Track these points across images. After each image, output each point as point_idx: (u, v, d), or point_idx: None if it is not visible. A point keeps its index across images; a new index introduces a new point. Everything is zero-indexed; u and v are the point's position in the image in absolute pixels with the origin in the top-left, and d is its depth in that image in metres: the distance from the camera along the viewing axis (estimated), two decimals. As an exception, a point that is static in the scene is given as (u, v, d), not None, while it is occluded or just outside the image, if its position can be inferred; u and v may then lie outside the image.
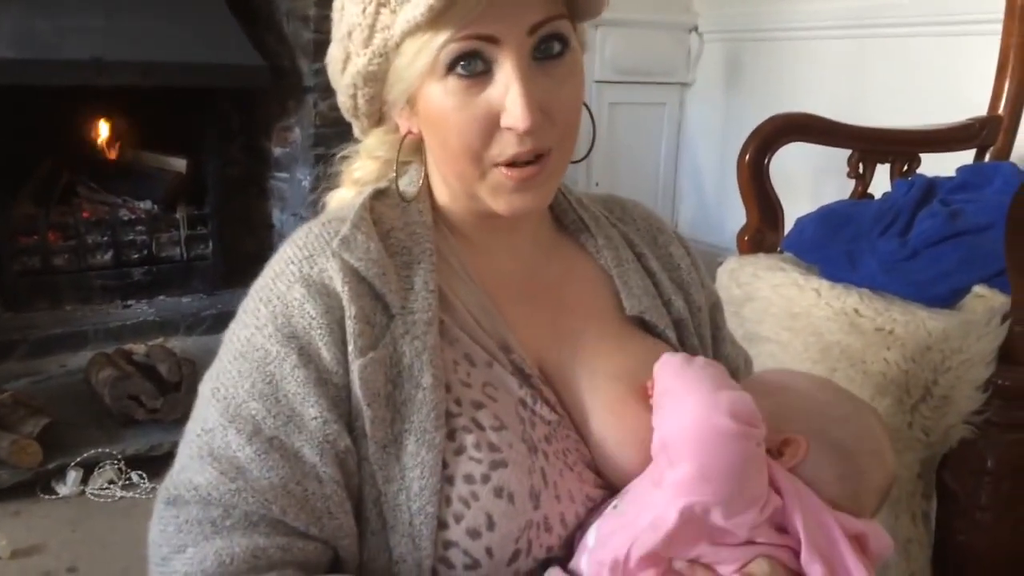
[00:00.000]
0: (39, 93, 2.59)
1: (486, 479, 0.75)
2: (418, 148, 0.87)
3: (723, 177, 3.13)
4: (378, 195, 0.86)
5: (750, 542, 0.72)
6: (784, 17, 2.93)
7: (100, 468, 2.11)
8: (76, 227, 2.80)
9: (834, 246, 1.62)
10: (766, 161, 1.73)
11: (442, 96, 0.75)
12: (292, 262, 0.80)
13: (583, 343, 0.86)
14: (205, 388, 0.78)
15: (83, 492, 2.08)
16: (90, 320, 2.72)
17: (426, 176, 0.87)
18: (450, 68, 0.74)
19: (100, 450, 2.13)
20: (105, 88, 2.61)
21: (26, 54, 2.40)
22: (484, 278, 0.86)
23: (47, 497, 2.06)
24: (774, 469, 0.76)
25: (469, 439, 0.76)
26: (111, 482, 2.10)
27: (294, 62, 2.88)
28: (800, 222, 1.73)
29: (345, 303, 0.76)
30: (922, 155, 1.92)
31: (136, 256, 2.90)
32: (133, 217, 2.91)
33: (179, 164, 3.00)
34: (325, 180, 0.94)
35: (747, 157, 1.72)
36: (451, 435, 0.76)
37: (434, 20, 0.72)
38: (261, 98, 3.01)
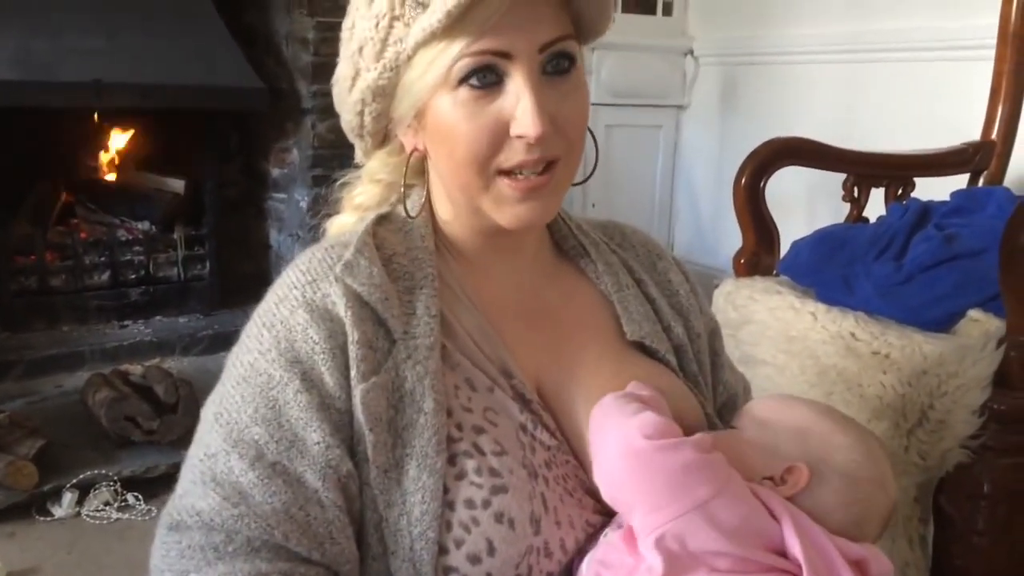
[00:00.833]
0: (38, 114, 2.60)
1: (487, 504, 0.75)
2: (420, 171, 0.88)
3: (719, 200, 3.15)
4: (381, 220, 0.87)
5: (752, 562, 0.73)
6: (779, 41, 2.95)
7: (96, 490, 2.10)
8: (73, 247, 2.80)
9: (830, 269, 1.63)
10: (762, 184, 1.74)
11: (452, 107, 0.77)
12: (295, 287, 0.80)
13: (582, 368, 0.87)
14: (208, 413, 0.79)
15: (79, 514, 2.06)
16: (87, 340, 2.72)
17: (428, 199, 0.88)
18: (462, 80, 0.75)
19: (96, 471, 2.12)
20: (104, 109, 2.62)
21: (25, 75, 2.41)
22: (485, 303, 0.86)
23: (42, 519, 2.05)
24: (769, 496, 0.76)
25: (470, 464, 0.76)
26: (107, 504, 2.09)
27: (293, 84, 2.90)
28: (796, 245, 1.74)
29: (348, 328, 0.77)
30: (916, 179, 1.93)
31: (133, 276, 2.90)
32: (131, 238, 2.91)
33: (177, 185, 3.00)
34: (324, 206, 0.95)
35: (743, 180, 1.73)
36: (452, 460, 0.76)
37: (449, 29, 0.73)
38: (259, 120, 3.02)
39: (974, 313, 1.45)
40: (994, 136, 1.97)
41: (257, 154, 3.15)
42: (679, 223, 3.48)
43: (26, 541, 1.98)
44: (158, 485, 2.10)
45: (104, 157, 3.06)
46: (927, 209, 1.69)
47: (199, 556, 0.72)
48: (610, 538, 0.77)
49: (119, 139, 3.04)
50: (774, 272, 1.77)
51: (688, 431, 0.81)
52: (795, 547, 0.73)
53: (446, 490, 0.75)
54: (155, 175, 3.05)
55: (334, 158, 2.82)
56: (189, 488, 0.75)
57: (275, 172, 3.09)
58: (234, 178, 3.18)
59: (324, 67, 2.72)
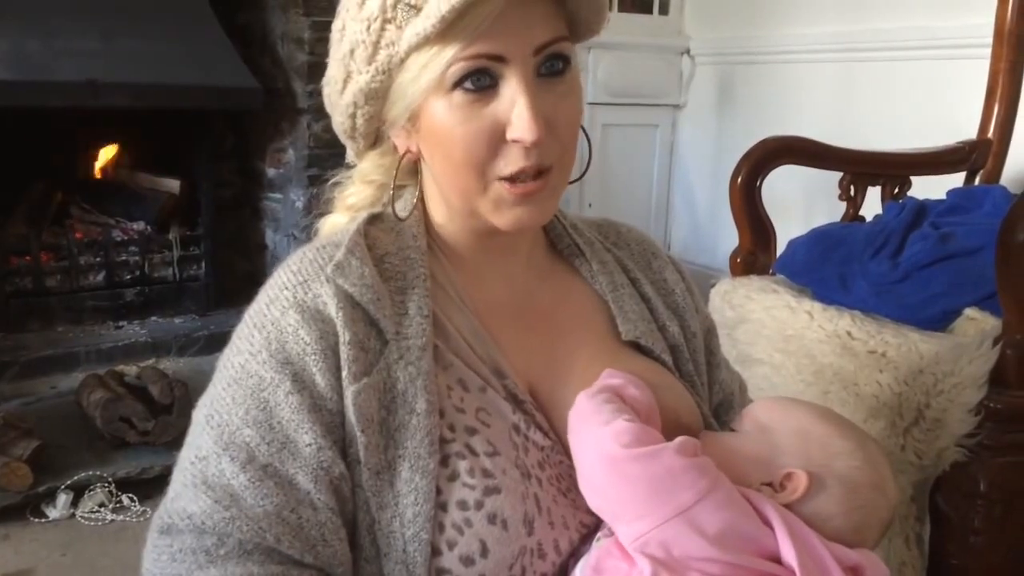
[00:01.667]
0: (33, 114, 2.59)
1: (479, 505, 0.74)
2: (413, 171, 0.87)
3: (715, 199, 3.15)
4: (372, 220, 0.86)
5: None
6: (775, 41, 2.95)
7: (90, 491, 2.10)
8: (69, 248, 2.79)
9: (826, 268, 1.63)
10: (758, 184, 1.74)
11: (447, 110, 0.76)
12: (286, 288, 0.80)
13: (577, 368, 0.86)
14: (199, 415, 0.78)
15: (73, 515, 2.06)
16: (82, 341, 2.71)
17: (421, 199, 0.87)
18: (457, 84, 0.75)
19: (91, 473, 2.11)
20: (99, 109, 2.61)
21: (20, 76, 2.40)
22: (478, 303, 0.86)
23: (37, 520, 2.04)
24: (762, 501, 0.75)
25: (463, 465, 0.76)
26: (101, 505, 2.08)
27: (288, 84, 2.90)
28: (792, 244, 1.74)
29: (339, 329, 0.76)
30: (912, 178, 1.93)
31: (129, 277, 2.89)
32: (126, 238, 2.91)
33: (172, 185, 3.00)
34: (318, 206, 0.95)
35: (739, 180, 1.73)
36: (444, 461, 0.76)
37: (443, 33, 0.72)
38: (255, 119, 3.02)
39: (970, 311, 1.45)
40: (990, 135, 1.97)
41: (253, 154, 3.15)
42: (675, 222, 3.48)
43: (20, 543, 1.97)
44: (153, 486, 2.10)
45: (99, 157, 3.06)
46: (923, 208, 1.69)
47: (191, 560, 0.71)
48: (603, 543, 0.76)
49: (114, 139, 3.04)
50: (770, 271, 1.77)
51: (685, 430, 0.80)
52: (789, 553, 0.72)
53: (439, 491, 0.74)
54: (150, 175, 3.05)
55: (330, 158, 2.81)
56: (180, 491, 0.75)
57: (271, 172, 3.09)
58: (229, 178, 3.18)
59: (320, 67, 2.67)
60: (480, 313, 0.85)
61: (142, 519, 2.03)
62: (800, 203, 2.61)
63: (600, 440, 0.75)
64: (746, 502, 0.74)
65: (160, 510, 0.76)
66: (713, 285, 1.73)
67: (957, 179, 1.99)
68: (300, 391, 0.75)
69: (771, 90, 3.01)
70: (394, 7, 0.75)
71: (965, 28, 2.26)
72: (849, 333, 1.47)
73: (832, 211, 1.97)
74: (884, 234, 1.63)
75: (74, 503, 2.07)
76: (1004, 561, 1.32)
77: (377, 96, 0.80)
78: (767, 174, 1.75)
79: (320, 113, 2.79)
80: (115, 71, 2.53)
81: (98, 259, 2.84)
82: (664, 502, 0.71)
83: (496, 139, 0.76)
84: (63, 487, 2.08)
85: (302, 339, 0.76)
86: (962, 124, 2.02)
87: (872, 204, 1.89)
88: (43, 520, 2.04)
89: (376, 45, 0.78)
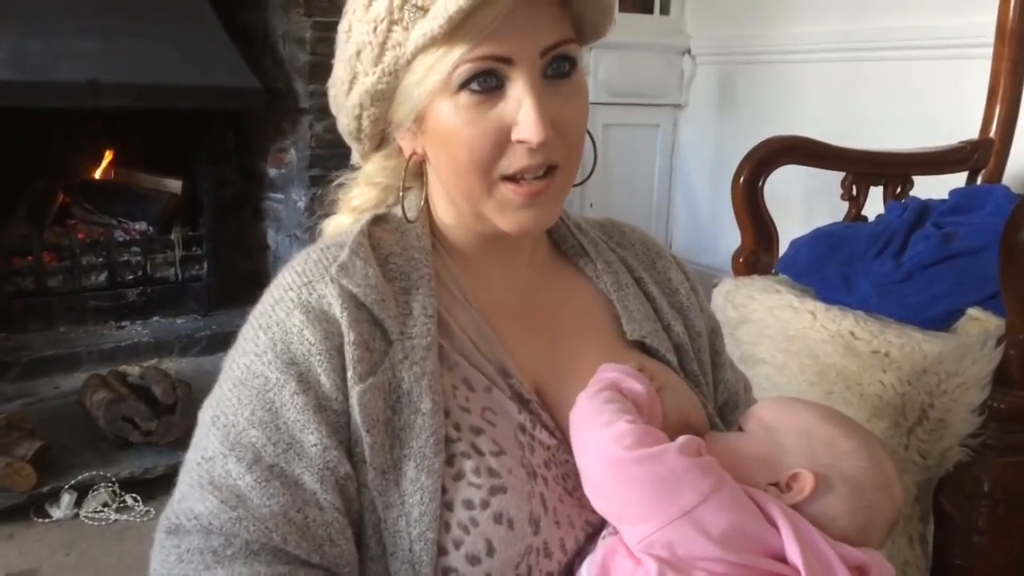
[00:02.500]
0: (34, 114, 2.59)
1: (485, 505, 0.75)
2: (418, 173, 0.87)
3: (717, 198, 3.15)
4: (377, 220, 0.86)
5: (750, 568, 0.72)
6: (777, 40, 2.95)
7: (94, 491, 2.10)
8: (71, 248, 2.80)
9: (829, 268, 1.63)
10: (760, 183, 1.74)
11: (453, 112, 0.76)
12: (291, 288, 0.80)
13: (581, 367, 0.86)
14: (205, 416, 0.78)
15: (77, 515, 2.06)
16: (84, 341, 2.71)
17: (426, 200, 0.87)
18: (463, 85, 0.75)
19: (94, 473, 2.12)
20: (100, 109, 2.61)
21: (21, 76, 2.40)
22: (482, 303, 0.86)
23: (40, 520, 2.04)
24: (768, 501, 0.75)
25: (468, 464, 0.76)
26: (105, 505, 2.09)
27: (290, 84, 2.90)
28: (794, 244, 1.74)
29: (344, 329, 0.76)
30: (915, 177, 1.93)
31: (131, 277, 2.90)
32: (128, 238, 2.91)
33: (174, 185, 3.00)
34: (321, 207, 0.95)
35: (741, 179, 1.73)
36: (450, 460, 0.76)
37: (449, 35, 0.73)
38: (256, 120, 3.02)
39: (973, 311, 1.45)
40: (992, 134, 1.97)
41: (254, 154, 3.15)
42: (677, 222, 3.48)
43: (24, 543, 1.97)
44: (156, 486, 2.10)
45: (101, 158, 3.06)
46: (926, 207, 1.69)
47: (198, 560, 0.71)
48: (608, 541, 0.77)
49: (115, 140, 3.04)
50: (773, 271, 1.76)
51: (691, 430, 0.81)
52: (794, 553, 0.72)
53: (444, 491, 0.75)
54: (152, 175, 3.05)
55: (332, 158, 2.81)
56: (187, 492, 0.75)
57: (272, 172, 3.09)
58: (231, 178, 3.18)
59: (321, 67, 2.71)
60: (485, 313, 0.85)
61: (146, 519, 2.04)
62: (802, 203, 2.61)
63: (602, 442, 0.75)
64: (751, 502, 0.74)
65: (167, 511, 0.76)
66: (715, 285, 1.73)
67: (959, 179, 1.99)
68: (305, 391, 0.75)
69: (773, 90, 3.01)
70: (401, 8, 0.75)
71: (967, 27, 2.26)
72: (852, 333, 1.46)
73: (834, 211, 1.97)
74: (887, 234, 1.63)
75: (78, 503, 2.08)
76: (1008, 561, 1.32)
77: (383, 97, 0.80)
78: (769, 174, 1.75)
79: (322, 113, 2.81)
80: (116, 71, 2.54)
81: (100, 259, 2.85)
82: (668, 503, 0.71)
83: (502, 140, 0.76)
84: (67, 487, 2.08)
85: (307, 340, 0.76)
86: (964, 123, 2.01)
87: (874, 204, 1.89)
88: (47, 520, 2.04)
89: (383, 46, 0.78)
